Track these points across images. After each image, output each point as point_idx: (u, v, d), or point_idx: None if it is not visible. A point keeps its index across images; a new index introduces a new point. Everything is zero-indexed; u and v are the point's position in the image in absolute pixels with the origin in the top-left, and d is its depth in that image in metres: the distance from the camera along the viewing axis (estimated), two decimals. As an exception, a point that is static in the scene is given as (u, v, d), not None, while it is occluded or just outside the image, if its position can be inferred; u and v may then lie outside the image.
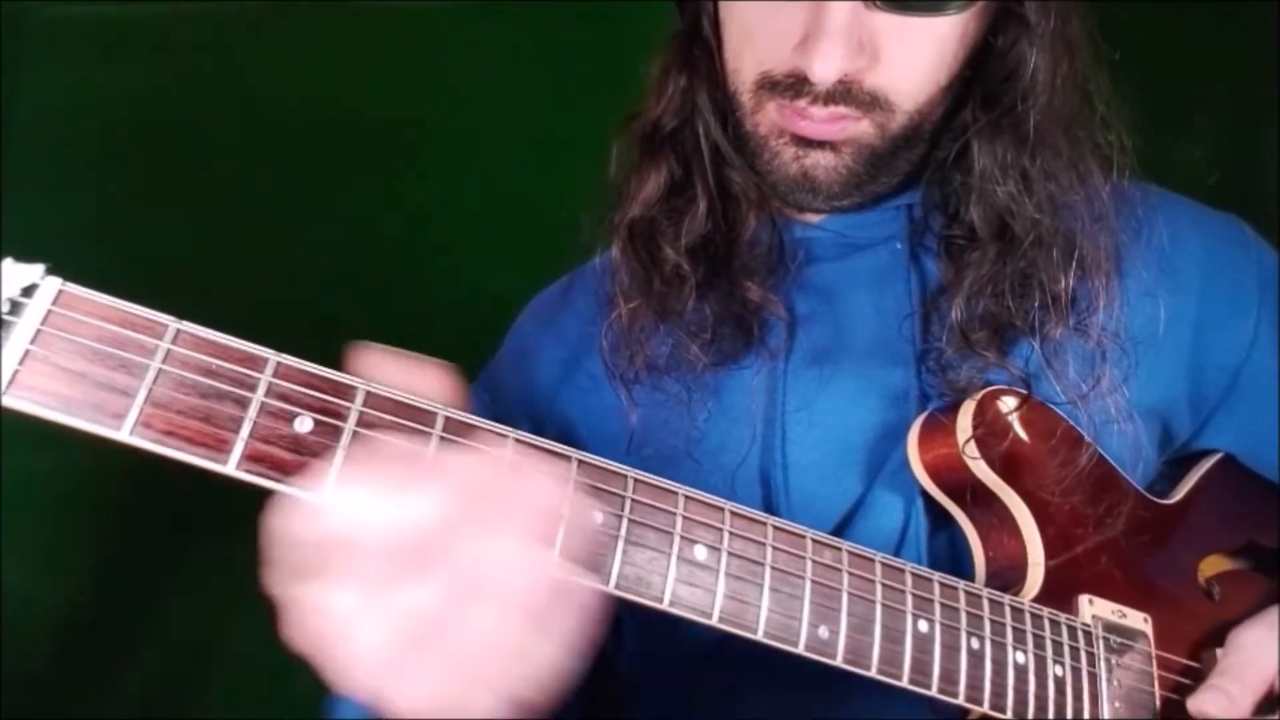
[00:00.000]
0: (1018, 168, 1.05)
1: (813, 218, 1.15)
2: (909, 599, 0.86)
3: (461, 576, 0.64)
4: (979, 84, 1.07)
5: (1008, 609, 0.92)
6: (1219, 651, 1.03)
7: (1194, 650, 1.03)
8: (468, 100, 2.07)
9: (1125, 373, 1.05)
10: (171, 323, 0.67)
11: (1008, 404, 1.01)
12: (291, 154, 2.01)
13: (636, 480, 0.79)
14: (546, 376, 1.20)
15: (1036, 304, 1.05)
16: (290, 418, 0.68)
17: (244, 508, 1.66)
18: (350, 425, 0.70)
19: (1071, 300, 1.04)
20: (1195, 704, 0.97)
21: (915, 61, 1.00)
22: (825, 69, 0.96)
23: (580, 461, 0.77)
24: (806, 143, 1.03)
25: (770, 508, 1.04)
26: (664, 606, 0.77)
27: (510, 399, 1.18)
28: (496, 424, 0.75)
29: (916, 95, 1.02)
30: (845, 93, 0.99)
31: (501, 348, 1.31)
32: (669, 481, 0.80)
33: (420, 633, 0.63)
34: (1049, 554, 0.98)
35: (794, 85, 1.00)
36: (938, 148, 1.10)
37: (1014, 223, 1.05)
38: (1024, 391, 1.02)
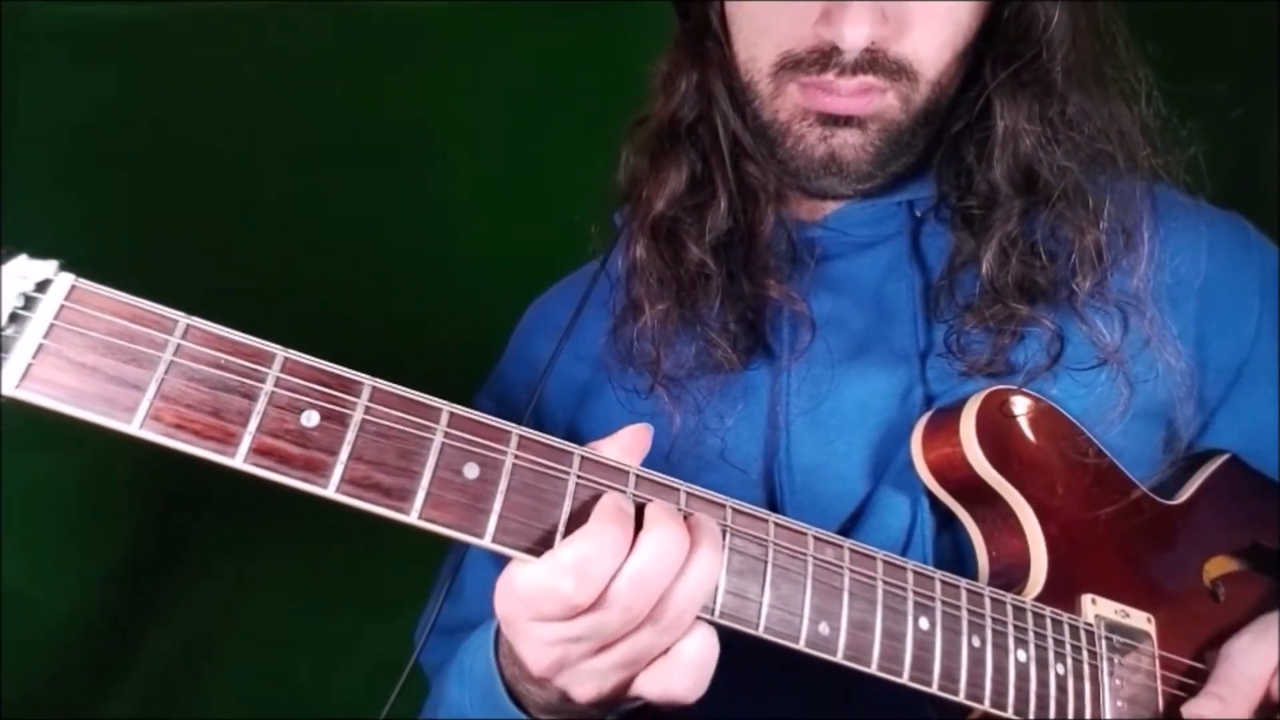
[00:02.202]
0: (1044, 118, 1.05)
1: (817, 215, 1.15)
2: (910, 597, 0.86)
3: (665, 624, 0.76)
4: (993, 48, 1.06)
5: (1009, 608, 0.92)
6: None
7: (1198, 651, 1.02)
8: (468, 100, 2.08)
9: (1160, 327, 1.05)
10: (181, 318, 0.67)
11: (1011, 403, 1.02)
12: (291, 154, 2.01)
13: (639, 477, 0.79)
14: (563, 396, 1.20)
15: (1067, 257, 1.05)
16: (297, 412, 0.69)
17: (243, 510, 1.66)
18: (356, 420, 0.70)
19: (1101, 253, 1.04)
20: (1189, 709, 0.97)
21: (935, 28, 1.01)
22: (855, 35, 0.96)
23: (582, 458, 0.77)
24: (833, 121, 1.03)
25: (775, 509, 1.05)
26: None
27: (519, 408, 1.18)
28: (499, 420, 0.75)
29: (937, 62, 1.02)
30: (872, 61, 0.99)
31: (507, 355, 1.30)
32: (671, 479, 0.80)
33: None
34: (1052, 553, 0.98)
35: (819, 60, 1.00)
36: (952, 120, 1.10)
37: (1042, 171, 1.05)
38: (1028, 391, 1.02)
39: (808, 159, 1.06)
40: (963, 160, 1.10)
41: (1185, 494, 1.11)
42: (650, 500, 0.78)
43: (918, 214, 1.14)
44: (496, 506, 0.73)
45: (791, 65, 1.02)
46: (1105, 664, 0.95)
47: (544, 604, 0.73)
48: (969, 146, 1.09)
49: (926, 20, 1.00)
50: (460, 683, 0.98)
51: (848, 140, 1.04)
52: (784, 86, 1.04)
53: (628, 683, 0.78)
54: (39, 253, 0.66)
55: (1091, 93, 1.06)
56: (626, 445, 0.81)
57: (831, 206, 1.15)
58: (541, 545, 0.74)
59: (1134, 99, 1.06)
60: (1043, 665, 0.91)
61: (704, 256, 1.11)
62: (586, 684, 0.78)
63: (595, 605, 0.73)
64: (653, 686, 0.77)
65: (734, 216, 1.13)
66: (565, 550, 0.72)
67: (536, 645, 0.77)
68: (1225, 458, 1.15)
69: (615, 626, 0.74)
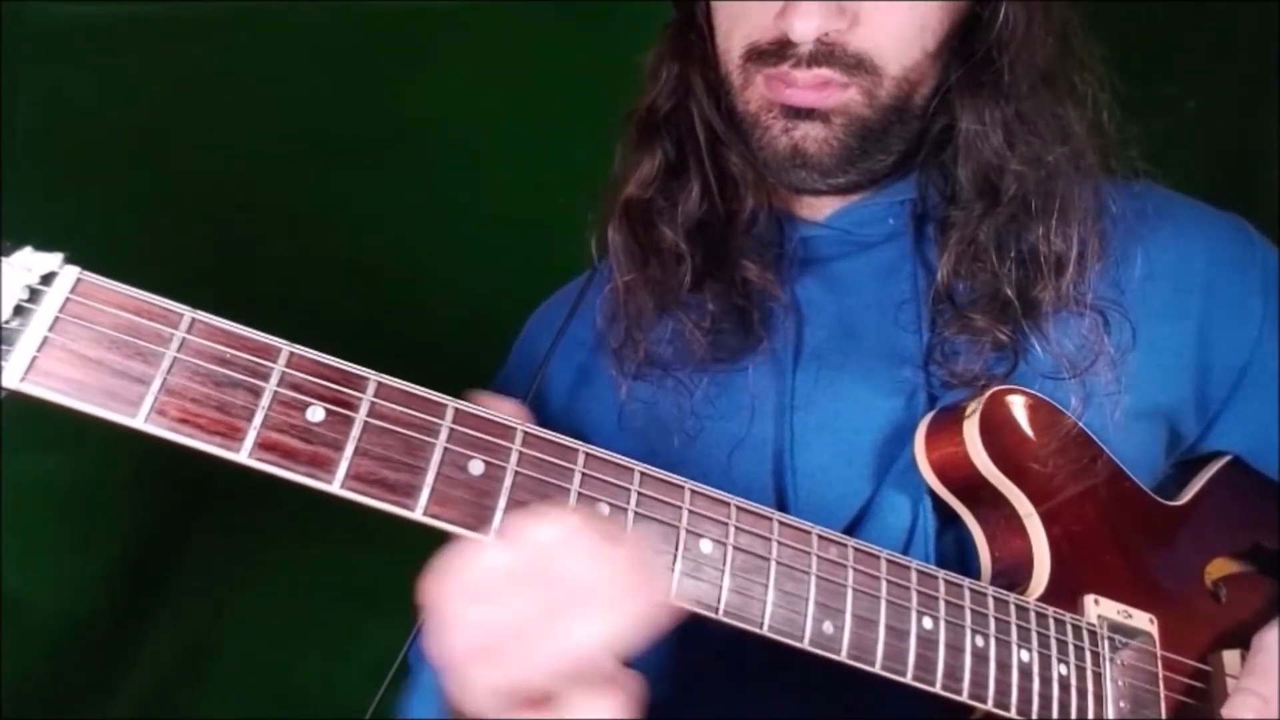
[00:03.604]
0: (999, 120, 1.05)
1: (817, 215, 1.15)
2: (914, 596, 0.86)
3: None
4: (963, 49, 1.08)
5: (1012, 607, 0.92)
6: (1226, 654, 1.03)
7: (1199, 652, 1.03)
8: (467, 100, 2.07)
9: (1124, 344, 1.05)
10: (187, 312, 0.67)
11: (1015, 402, 1.02)
12: (291, 153, 2.01)
13: (643, 474, 0.79)
14: (559, 385, 1.20)
15: (1023, 263, 1.05)
16: (303, 407, 0.69)
17: (243, 510, 1.66)
18: (361, 415, 0.70)
19: (1060, 264, 1.04)
20: (1229, 710, 0.97)
21: (895, 22, 1.02)
22: (804, 26, 0.98)
23: (587, 455, 0.77)
24: (795, 113, 1.04)
25: (782, 510, 1.05)
26: (669, 599, 0.77)
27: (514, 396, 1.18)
28: (504, 416, 0.75)
29: (901, 58, 1.03)
30: (829, 54, 1.00)
31: (510, 361, 1.31)
32: (675, 476, 0.80)
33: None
34: (1054, 553, 0.98)
35: (778, 51, 1.02)
36: (932, 121, 1.10)
37: (999, 179, 1.05)
38: (1032, 392, 1.02)
39: (773, 151, 1.07)
40: (943, 164, 1.11)
41: (1187, 495, 1.11)
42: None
43: (918, 212, 1.14)
44: (501, 503, 0.73)
45: (756, 56, 1.05)
46: (1108, 664, 0.95)
47: (482, 574, 0.70)
48: (948, 149, 1.10)
49: (885, 14, 1.01)
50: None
51: (809, 133, 1.05)
52: (752, 78, 1.06)
53: None
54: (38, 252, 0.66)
55: (1050, 94, 1.06)
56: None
57: (833, 205, 1.15)
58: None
59: (1091, 100, 1.07)
60: (1045, 665, 0.91)
61: (677, 238, 1.12)
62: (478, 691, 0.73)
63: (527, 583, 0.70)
64: None
65: (711, 202, 1.14)
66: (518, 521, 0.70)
67: (461, 629, 0.73)
68: (1227, 459, 1.15)
69: (534, 613, 0.70)
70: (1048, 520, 0.99)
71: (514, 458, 0.74)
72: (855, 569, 0.84)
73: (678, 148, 1.15)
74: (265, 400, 0.68)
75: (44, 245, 0.67)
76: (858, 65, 1.01)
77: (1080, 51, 1.08)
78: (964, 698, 0.87)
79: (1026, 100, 1.05)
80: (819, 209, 1.16)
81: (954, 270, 1.06)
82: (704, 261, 1.12)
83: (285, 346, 0.69)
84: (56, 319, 0.64)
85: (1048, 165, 1.05)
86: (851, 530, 1.04)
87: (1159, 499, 1.08)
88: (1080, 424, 1.04)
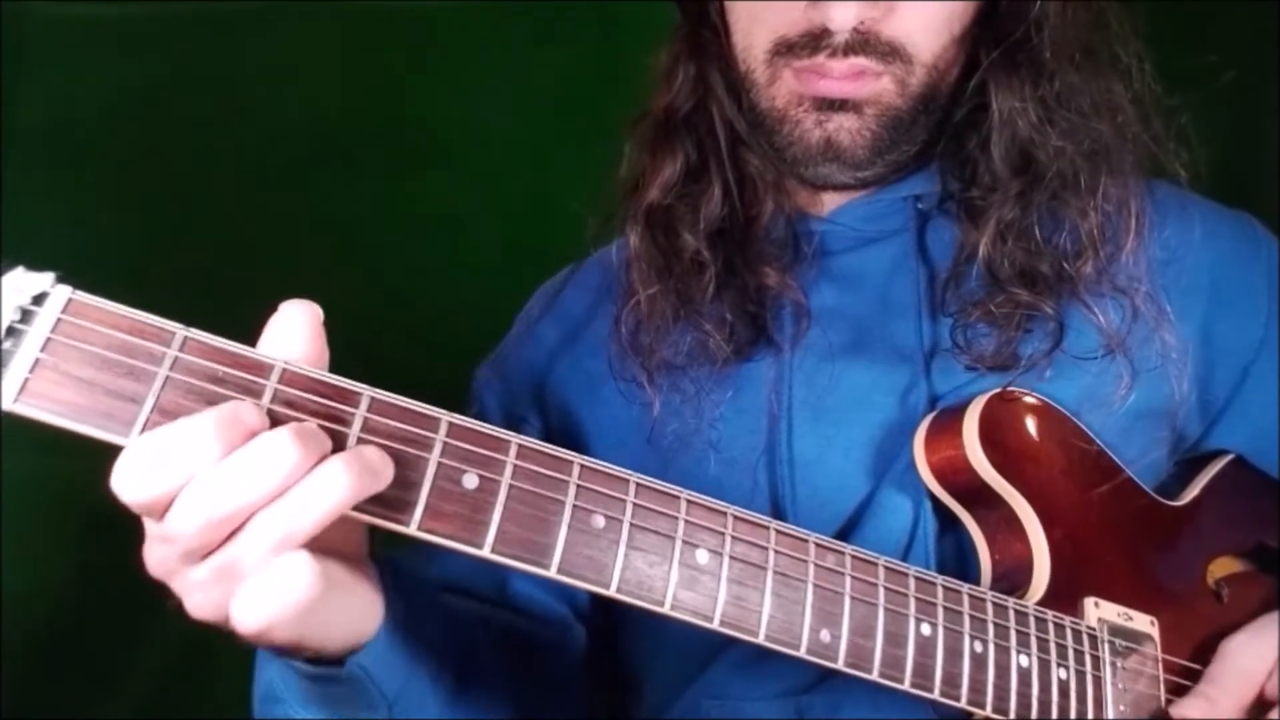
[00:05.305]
0: (1036, 98, 1.05)
1: (823, 210, 1.16)
2: (912, 602, 0.86)
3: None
4: (989, 31, 1.07)
5: (1011, 612, 0.91)
6: None
7: (1201, 653, 1.02)
8: (468, 100, 2.07)
9: (1160, 315, 1.05)
10: (179, 330, 0.67)
11: (1014, 405, 1.01)
12: (292, 154, 2.00)
13: (639, 484, 0.78)
14: (544, 350, 1.22)
15: (1067, 242, 1.05)
16: (295, 424, 0.68)
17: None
18: (355, 431, 0.70)
19: (1103, 237, 1.04)
20: (1177, 710, 0.97)
21: (927, 9, 1.01)
22: (843, 14, 0.98)
23: (582, 466, 0.77)
24: (828, 105, 1.04)
25: (777, 503, 1.05)
26: (665, 610, 0.77)
27: (514, 377, 1.18)
28: (498, 429, 0.75)
29: (932, 44, 1.03)
30: (864, 43, 1.00)
31: (513, 333, 1.31)
32: (671, 486, 0.80)
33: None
34: (1055, 556, 0.98)
35: (811, 43, 1.01)
36: (954, 109, 1.10)
37: (1038, 153, 1.05)
38: (1033, 393, 1.02)
39: (804, 145, 1.07)
40: (966, 150, 1.11)
41: (1189, 495, 1.11)
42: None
43: (922, 208, 1.14)
44: (496, 517, 0.72)
45: (785, 50, 1.04)
46: (1108, 668, 0.95)
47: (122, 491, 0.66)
48: (971, 135, 1.10)
49: (917, 1, 1.00)
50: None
51: (843, 125, 1.05)
52: (779, 73, 1.06)
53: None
54: (38, 253, 0.66)
55: (1085, 72, 1.06)
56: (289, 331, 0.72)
57: (837, 201, 1.15)
58: (541, 555, 0.73)
59: (1132, 71, 1.07)
60: (1045, 670, 0.91)
61: (699, 245, 1.12)
62: (193, 595, 0.72)
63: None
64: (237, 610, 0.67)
65: (730, 205, 1.14)
66: (148, 438, 0.65)
67: (147, 543, 0.71)
68: (1229, 458, 1.15)
69: (190, 538, 0.67)
70: (1048, 523, 0.99)
71: (508, 471, 0.73)
72: (852, 576, 0.84)
73: (698, 150, 1.15)
74: (258, 418, 0.67)
75: (43, 245, 0.67)
76: (891, 53, 1.02)
77: (1114, 23, 1.07)
78: (962, 704, 0.87)
79: (1068, 75, 1.05)
80: (823, 205, 1.16)
81: (992, 249, 1.06)
82: (724, 267, 1.12)
83: (278, 363, 0.69)
84: (48, 340, 0.64)
85: (1091, 139, 1.05)
86: (851, 530, 1.04)
87: (1161, 499, 1.08)
88: (1083, 426, 1.04)
